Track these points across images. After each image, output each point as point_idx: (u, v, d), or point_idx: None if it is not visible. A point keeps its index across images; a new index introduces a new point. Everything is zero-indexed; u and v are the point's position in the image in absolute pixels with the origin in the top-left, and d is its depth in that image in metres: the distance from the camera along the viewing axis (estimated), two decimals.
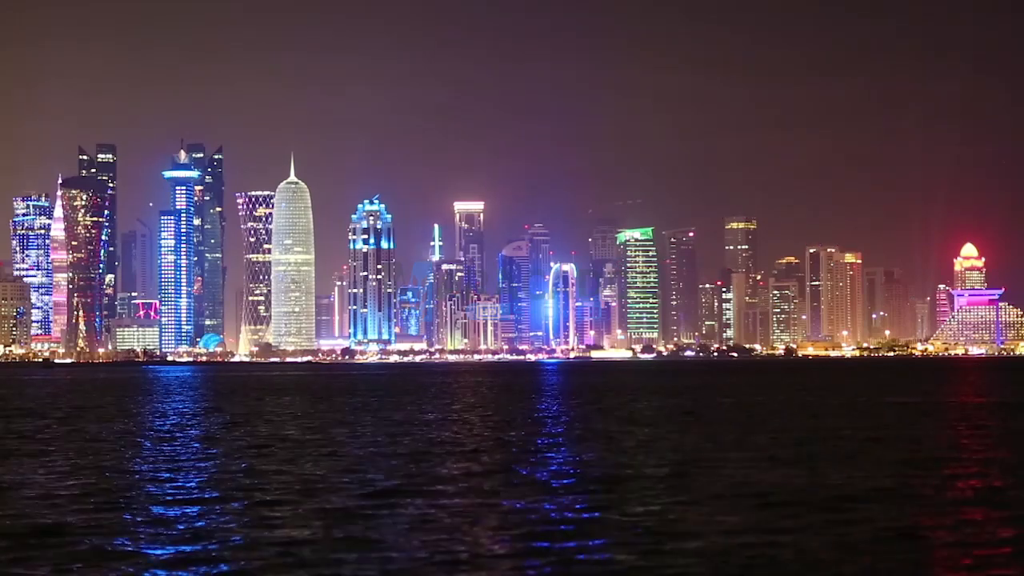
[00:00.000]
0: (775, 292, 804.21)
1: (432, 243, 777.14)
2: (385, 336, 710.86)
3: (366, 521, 30.82)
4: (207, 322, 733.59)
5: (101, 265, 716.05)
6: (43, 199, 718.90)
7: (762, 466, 43.56)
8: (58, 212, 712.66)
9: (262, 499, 35.31)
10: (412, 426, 69.53)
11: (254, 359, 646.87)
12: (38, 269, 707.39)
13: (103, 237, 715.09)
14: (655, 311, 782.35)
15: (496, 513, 32.21)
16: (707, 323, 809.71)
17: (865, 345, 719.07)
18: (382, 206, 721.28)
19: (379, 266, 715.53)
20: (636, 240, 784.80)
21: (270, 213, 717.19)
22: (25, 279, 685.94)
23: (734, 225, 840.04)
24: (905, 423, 70.25)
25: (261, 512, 32.66)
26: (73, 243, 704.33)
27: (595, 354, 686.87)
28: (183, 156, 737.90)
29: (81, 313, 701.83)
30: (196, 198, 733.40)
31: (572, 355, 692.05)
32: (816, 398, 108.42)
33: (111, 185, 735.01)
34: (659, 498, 34.81)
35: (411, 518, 31.34)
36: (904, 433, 61.56)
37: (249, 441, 58.61)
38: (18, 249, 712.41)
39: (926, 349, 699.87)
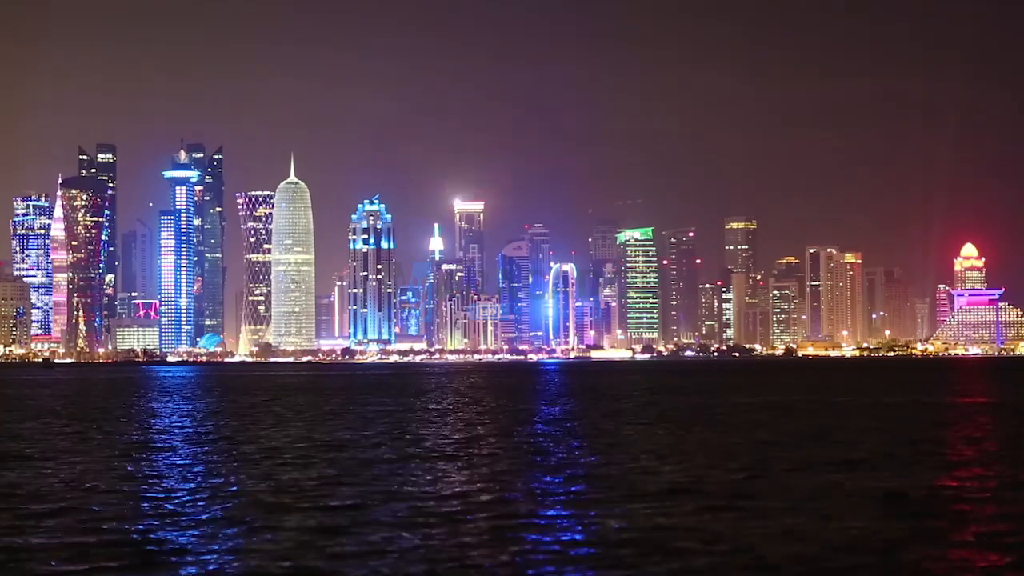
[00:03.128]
0: (775, 292, 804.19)
1: (432, 243, 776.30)
2: (385, 336, 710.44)
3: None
4: (207, 322, 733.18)
5: (101, 265, 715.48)
6: (43, 199, 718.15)
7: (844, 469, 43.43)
8: (58, 212, 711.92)
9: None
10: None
11: (255, 359, 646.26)
12: (38, 269, 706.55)
13: (103, 237, 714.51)
14: (655, 311, 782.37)
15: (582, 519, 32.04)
16: (707, 323, 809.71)
17: (865, 345, 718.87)
18: (382, 206, 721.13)
19: (379, 266, 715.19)
20: (636, 240, 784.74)
21: (270, 213, 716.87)
22: (25, 279, 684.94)
23: (734, 225, 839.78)
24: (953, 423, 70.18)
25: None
26: (73, 243, 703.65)
27: (595, 354, 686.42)
28: (183, 156, 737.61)
29: (81, 313, 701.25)
30: (196, 198, 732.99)
31: (572, 355, 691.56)
32: (839, 398, 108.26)
33: (111, 185, 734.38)
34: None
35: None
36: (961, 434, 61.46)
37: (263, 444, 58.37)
38: (18, 249, 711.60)
39: (926, 349, 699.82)
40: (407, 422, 74.37)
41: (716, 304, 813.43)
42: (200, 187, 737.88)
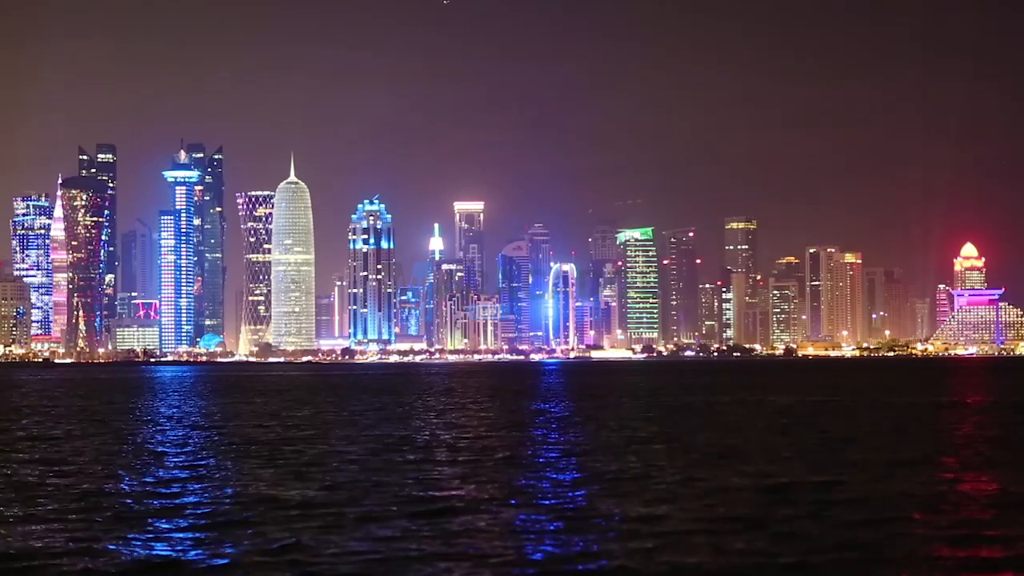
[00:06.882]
0: (775, 292, 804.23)
1: (432, 243, 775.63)
2: (385, 336, 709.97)
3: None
4: (207, 322, 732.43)
5: (101, 265, 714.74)
6: (43, 199, 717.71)
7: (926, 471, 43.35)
8: (58, 212, 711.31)
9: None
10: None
11: (256, 359, 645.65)
12: (38, 269, 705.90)
13: (103, 237, 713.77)
14: (655, 311, 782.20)
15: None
16: (707, 323, 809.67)
17: (865, 345, 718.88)
18: (382, 206, 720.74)
19: (379, 266, 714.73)
20: (636, 240, 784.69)
21: (270, 213, 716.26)
22: (25, 279, 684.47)
23: (734, 225, 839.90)
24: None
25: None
26: (73, 243, 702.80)
27: (595, 354, 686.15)
28: (183, 156, 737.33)
29: (81, 313, 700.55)
30: (196, 198, 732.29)
31: (572, 355, 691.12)
32: (875, 397, 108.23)
33: (111, 185, 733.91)
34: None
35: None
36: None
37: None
38: (18, 249, 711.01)
39: (926, 349, 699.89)
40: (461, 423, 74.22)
41: (716, 304, 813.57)
42: (200, 187, 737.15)
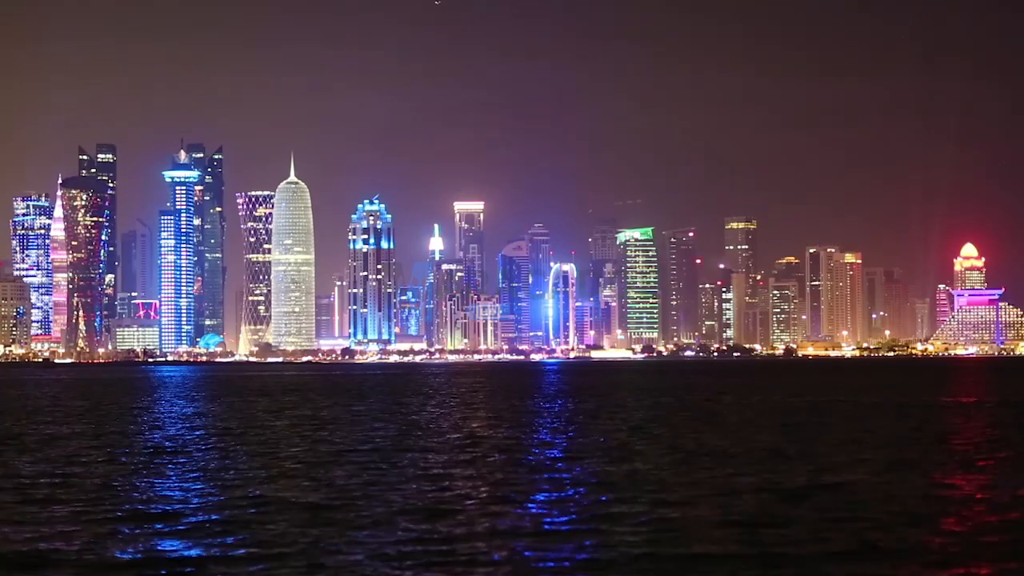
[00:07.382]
0: (775, 292, 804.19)
1: (432, 243, 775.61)
2: (385, 336, 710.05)
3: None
4: (207, 322, 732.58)
5: (101, 265, 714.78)
6: (43, 199, 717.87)
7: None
8: (58, 212, 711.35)
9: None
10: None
11: (256, 359, 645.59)
12: (38, 269, 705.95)
13: (103, 237, 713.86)
14: (655, 311, 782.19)
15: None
16: (707, 323, 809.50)
17: (865, 345, 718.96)
18: (382, 206, 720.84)
19: (379, 266, 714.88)
20: (636, 240, 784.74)
21: (270, 213, 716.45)
22: (25, 279, 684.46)
23: (734, 225, 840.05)
24: None
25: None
26: (73, 243, 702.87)
27: (595, 354, 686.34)
28: (183, 156, 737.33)
29: (81, 313, 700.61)
30: (196, 198, 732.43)
31: (572, 355, 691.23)
32: (878, 398, 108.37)
33: (111, 185, 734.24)
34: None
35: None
36: None
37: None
38: (18, 249, 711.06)
39: (926, 349, 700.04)
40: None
41: (716, 304, 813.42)
42: (200, 187, 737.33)
